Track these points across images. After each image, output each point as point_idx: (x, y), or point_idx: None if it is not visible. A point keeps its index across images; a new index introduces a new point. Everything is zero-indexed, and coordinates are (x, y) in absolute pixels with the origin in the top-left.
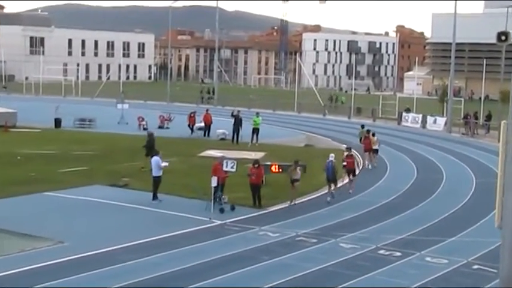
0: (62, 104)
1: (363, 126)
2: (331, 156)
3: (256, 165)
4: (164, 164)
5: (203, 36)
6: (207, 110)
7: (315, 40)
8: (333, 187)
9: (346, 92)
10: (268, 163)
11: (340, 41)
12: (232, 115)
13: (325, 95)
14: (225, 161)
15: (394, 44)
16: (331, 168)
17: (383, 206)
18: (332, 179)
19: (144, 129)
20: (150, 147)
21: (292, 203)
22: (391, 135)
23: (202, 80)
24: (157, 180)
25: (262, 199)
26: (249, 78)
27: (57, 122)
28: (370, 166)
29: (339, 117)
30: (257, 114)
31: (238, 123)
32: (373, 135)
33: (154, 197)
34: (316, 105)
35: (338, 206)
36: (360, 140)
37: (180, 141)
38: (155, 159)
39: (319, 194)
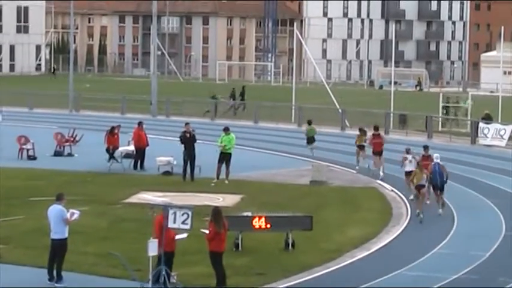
0: None
1: (309, 123)
2: (437, 158)
3: (215, 219)
4: (75, 215)
5: None
6: (139, 124)
7: (325, 0)
8: (441, 199)
9: (381, 87)
10: (248, 214)
11: (368, 1)
12: (181, 139)
13: (348, 94)
14: (171, 212)
15: (462, 3)
16: (439, 171)
17: (447, 286)
18: (441, 186)
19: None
20: None
21: (420, 216)
22: (460, 163)
23: (53, 70)
24: (58, 247)
25: (234, 275)
26: (212, 67)
27: None
28: (381, 173)
29: (368, 132)
30: (226, 130)
31: (190, 146)
32: (377, 129)
33: (56, 277)
34: (329, 111)
35: (369, 286)
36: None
37: (92, 178)
38: (56, 209)
39: (336, 267)
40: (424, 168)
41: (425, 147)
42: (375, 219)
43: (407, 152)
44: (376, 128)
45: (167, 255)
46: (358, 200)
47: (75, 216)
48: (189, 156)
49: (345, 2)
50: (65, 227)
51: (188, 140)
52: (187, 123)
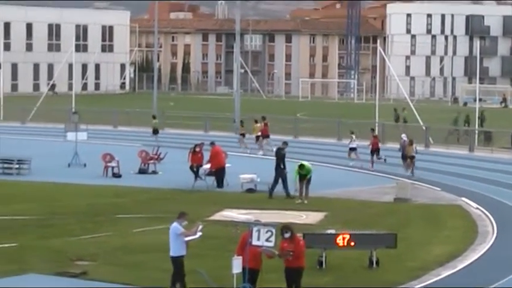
0: None
1: (154, 117)
2: (404, 137)
3: (287, 236)
4: (199, 232)
5: (214, 14)
6: (211, 144)
7: (409, 16)
8: (411, 165)
9: (465, 104)
10: (332, 232)
11: (452, 17)
12: (277, 154)
13: (432, 111)
14: (255, 229)
15: None
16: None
17: None
18: (411, 156)
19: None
20: None
21: (412, 175)
22: None
23: (52, 88)
24: (173, 264)
25: None
26: (295, 84)
27: None
28: (248, 151)
29: (454, 149)
30: (301, 167)
31: (280, 164)
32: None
33: None
34: (413, 128)
35: None
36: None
37: (176, 196)
38: (172, 226)
39: (421, 285)
40: (373, 145)
41: (372, 130)
42: (460, 236)
43: (352, 133)
44: (263, 118)
45: (251, 273)
46: (443, 218)
47: (200, 232)
48: (279, 174)
49: (429, 18)
50: (181, 244)
51: (279, 156)
52: (285, 142)
